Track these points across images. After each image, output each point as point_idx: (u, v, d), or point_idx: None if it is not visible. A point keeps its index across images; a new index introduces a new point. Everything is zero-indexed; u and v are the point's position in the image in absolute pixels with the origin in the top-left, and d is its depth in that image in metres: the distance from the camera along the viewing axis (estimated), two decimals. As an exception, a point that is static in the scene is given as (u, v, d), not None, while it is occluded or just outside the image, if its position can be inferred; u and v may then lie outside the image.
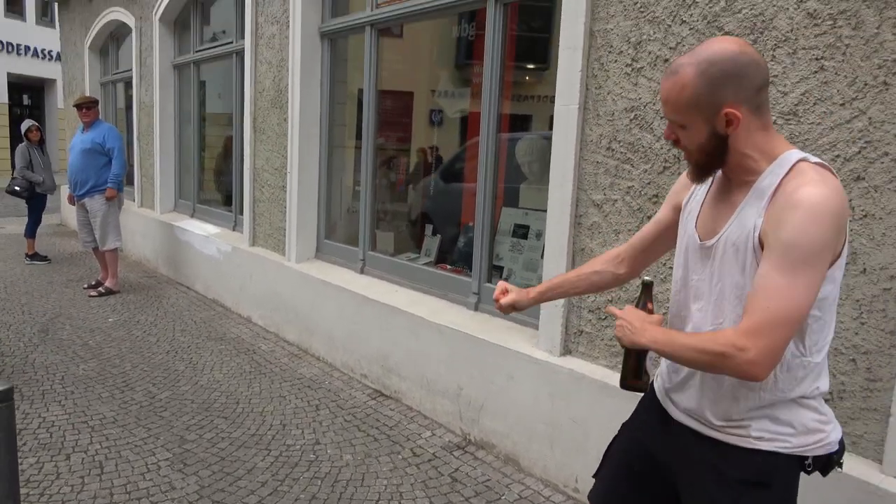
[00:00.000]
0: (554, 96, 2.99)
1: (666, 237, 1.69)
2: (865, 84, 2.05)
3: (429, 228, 4.80)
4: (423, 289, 4.05)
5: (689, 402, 1.50)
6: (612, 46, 2.77)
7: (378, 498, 2.91)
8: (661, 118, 2.56)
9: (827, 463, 1.43)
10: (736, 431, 1.41)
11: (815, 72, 2.16)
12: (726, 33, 2.38)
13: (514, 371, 3.16)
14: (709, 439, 1.45)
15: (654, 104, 2.63)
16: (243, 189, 5.75)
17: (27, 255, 7.63)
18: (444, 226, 4.76)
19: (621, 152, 2.76)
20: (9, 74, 19.64)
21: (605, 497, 1.73)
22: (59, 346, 4.69)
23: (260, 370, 4.39)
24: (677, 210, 1.62)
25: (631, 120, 2.71)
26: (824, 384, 1.42)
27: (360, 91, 4.62)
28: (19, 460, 2.61)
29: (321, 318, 4.59)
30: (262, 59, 5.34)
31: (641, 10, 2.66)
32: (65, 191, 8.16)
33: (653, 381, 1.68)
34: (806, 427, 1.39)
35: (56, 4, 11.15)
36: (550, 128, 3.04)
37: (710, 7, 2.44)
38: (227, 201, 6.63)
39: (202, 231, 6.46)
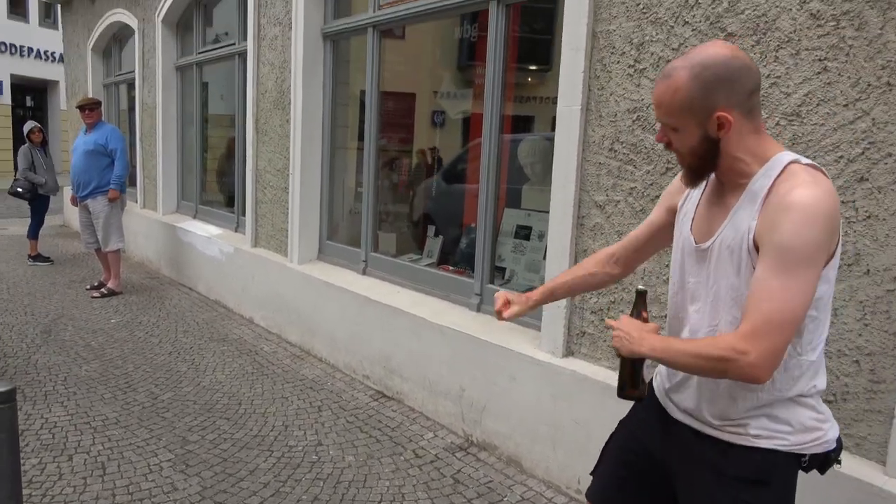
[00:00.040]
0: (556, 97, 2.99)
1: (658, 238, 1.72)
2: (869, 85, 2.05)
3: (431, 229, 4.80)
4: (426, 290, 4.05)
5: (687, 402, 1.51)
6: (614, 47, 2.77)
7: (380, 499, 2.91)
8: (664, 119, 2.56)
9: (825, 461, 1.45)
10: (734, 430, 1.43)
11: (819, 73, 2.16)
12: (729, 34, 2.38)
13: (517, 372, 3.15)
14: (708, 437, 1.46)
15: (656, 105, 2.63)
16: (245, 190, 5.76)
17: (30, 256, 7.65)
18: (446, 227, 4.76)
19: (624, 153, 2.75)
20: (12, 76, 19.70)
21: (602, 494, 1.75)
22: (61, 347, 4.70)
23: (262, 371, 4.39)
24: (671, 212, 1.63)
25: (633, 121, 2.71)
26: (821, 382, 1.44)
27: (363, 92, 4.62)
28: (22, 461, 2.61)
29: (323, 320, 4.59)
30: (264, 61, 5.35)
31: (644, 11, 2.65)
32: (67, 192, 8.17)
33: (652, 380, 1.69)
34: (804, 425, 1.41)
35: (59, 6, 11.18)
36: (553, 129, 3.04)
37: (712, 8, 2.43)
38: (230, 202, 6.64)
39: (204, 232, 6.46)
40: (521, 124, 4.47)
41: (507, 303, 1.80)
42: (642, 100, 2.68)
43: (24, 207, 8.09)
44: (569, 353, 3.03)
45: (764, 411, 1.40)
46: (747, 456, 1.41)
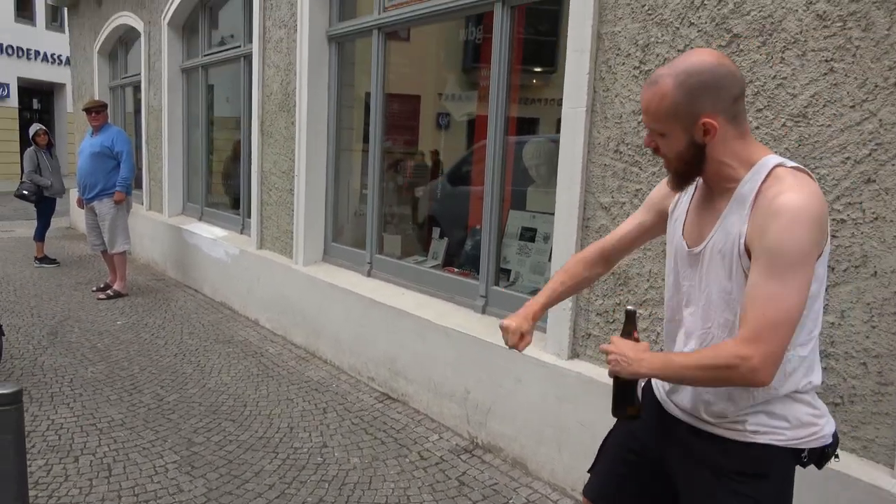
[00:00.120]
0: (561, 99, 2.98)
1: (645, 239, 1.79)
2: (876, 86, 2.04)
3: (436, 231, 4.79)
4: (431, 292, 4.05)
5: (685, 402, 1.54)
6: (619, 49, 2.77)
7: (385, 501, 2.90)
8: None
9: (821, 456, 1.47)
10: (732, 426, 1.46)
11: (825, 74, 2.15)
12: (735, 35, 2.37)
13: (522, 374, 3.15)
14: (707, 434, 1.49)
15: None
16: (251, 192, 5.77)
17: (36, 258, 7.68)
18: (451, 229, 4.76)
19: (629, 155, 2.75)
20: (19, 79, 19.78)
21: (600, 491, 1.76)
22: (67, 349, 4.71)
23: (267, 373, 4.40)
24: (662, 216, 1.67)
25: (639, 122, 2.70)
26: (817, 378, 1.46)
27: (368, 94, 4.63)
28: (28, 462, 2.61)
29: (328, 321, 4.59)
30: (269, 63, 5.36)
31: (649, 12, 2.65)
32: (74, 194, 8.20)
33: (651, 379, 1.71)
34: (800, 420, 1.44)
35: (66, 9, 11.23)
36: (558, 131, 3.03)
37: (718, 9, 2.43)
38: (235, 204, 6.66)
39: (210, 234, 6.48)
40: (526, 126, 4.47)
41: (521, 335, 1.74)
42: (648, 101, 2.67)
43: (30, 210, 8.13)
44: (574, 355, 3.02)
45: (761, 408, 1.43)
46: (745, 451, 1.44)
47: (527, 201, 4.01)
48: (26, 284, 6.68)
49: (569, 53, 2.93)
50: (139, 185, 8.27)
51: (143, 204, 8.27)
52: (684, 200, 1.58)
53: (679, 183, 1.50)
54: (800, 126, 2.22)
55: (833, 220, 2.16)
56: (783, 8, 2.24)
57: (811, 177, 1.36)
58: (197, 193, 7.41)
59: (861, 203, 2.09)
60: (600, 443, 1.81)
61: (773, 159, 1.38)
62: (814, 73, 2.18)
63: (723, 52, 2.41)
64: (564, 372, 2.96)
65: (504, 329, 1.75)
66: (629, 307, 1.57)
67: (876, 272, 2.08)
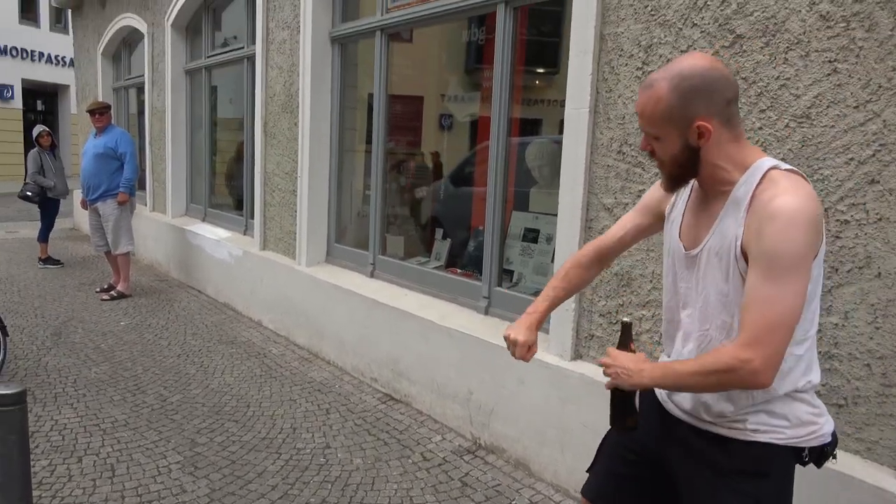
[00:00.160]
0: (564, 100, 2.98)
1: (640, 239, 1.81)
2: (880, 86, 2.04)
3: (439, 232, 4.80)
4: (434, 293, 4.05)
5: (685, 403, 1.55)
6: (622, 50, 2.76)
7: (388, 502, 2.90)
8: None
9: (821, 454, 1.49)
10: (733, 425, 1.47)
11: (829, 74, 2.15)
12: (738, 36, 2.37)
13: (525, 375, 3.14)
14: (708, 434, 1.51)
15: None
16: (254, 193, 5.78)
17: (40, 259, 7.70)
18: (454, 230, 4.76)
19: (632, 156, 2.75)
20: (23, 80, 19.85)
21: (598, 490, 1.77)
22: (71, 350, 4.72)
23: (270, 374, 4.40)
24: (658, 217, 1.69)
25: (642, 123, 2.70)
26: (815, 377, 1.48)
27: (371, 95, 4.64)
28: (32, 463, 2.62)
29: (331, 322, 4.60)
30: (272, 64, 5.37)
31: (652, 13, 2.65)
32: (77, 195, 8.22)
33: None
34: (800, 419, 1.45)
35: (69, 11, 11.27)
36: (561, 132, 3.03)
37: (721, 10, 2.43)
38: (238, 205, 6.67)
39: (213, 235, 6.49)
40: (528, 127, 4.47)
41: (528, 347, 1.73)
42: (651, 102, 2.66)
43: (34, 211, 8.15)
44: (577, 356, 3.02)
45: (761, 407, 1.45)
46: (746, 449, 1.45)
47: (529, 202, 4.01)
48: (30, 285, 6.70)
49: (572, 54, 2.93)
50: (143, 187, 8.28)
51: (146, 205, 8.28)
52: (680, 203, 1.60)
53: (673, 185, 1.52)
54: (803, 127, 2.22)
55: (837, 220, 2.15)
56: (786, 8, 2.24)
57: (805, 179, 1.38)
58: (200, 194, 7.42)
59: (865, 204, 2.09)
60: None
61: (767, 162, 1.40)
62: (817, 73, 2.17)
63: (726, 52, 2.41)
64: (567, 373, 2.96)
65: (512, 343, 1.73)
66: (625, 319, 1.59)
67: (880, 273, 2.07)
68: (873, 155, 2.06)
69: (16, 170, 18.60)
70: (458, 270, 4.27)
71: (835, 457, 1.52)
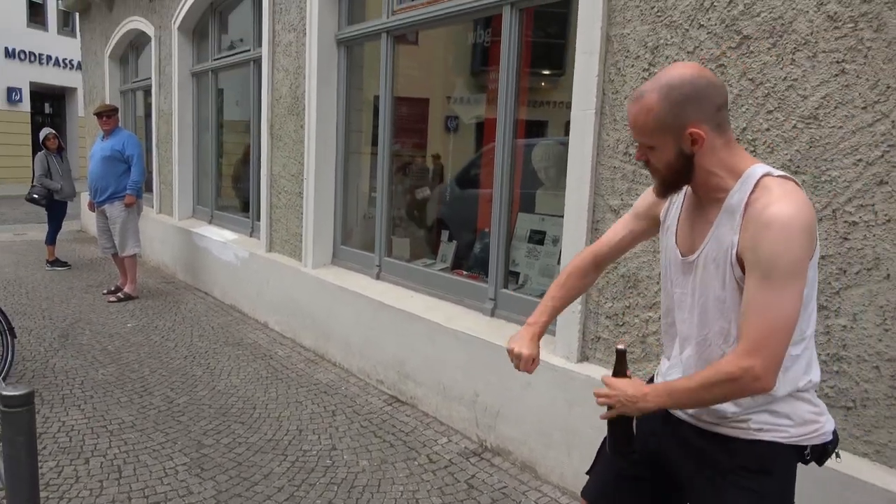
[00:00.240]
0: (570, 101, 2.98)
1: (635, 244, 1.83)
2: (888, 87, 2.03)
3: (445, 234, 4.80)
4: (440, 294, 4.05)
5: None
6: (628, 51, 2.76)
7: (394, 504, 2.90)
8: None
9: (822, 453, 1.51)
10: (737, 425, 1.49)
11: (836, 75, 2.14)
12: (745, 37, 2.36)
13: (531, 377, 3.13)
14: (710, 433, 1.52)
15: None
16: (260, 195, 5.79)
17: (48, 261, 7.74)
18: (460, 231, 4.76)
19: (638, 157, 2.74)
20: (31, 83, 19.99)
21: (598, 492, 1.77)
22: (78, 351, 4.74)
23: (277, 375, 4.41)
24: (654, 222, 1.70)
25: (648, 125, 2.69)
26: (815, 376, 1.50)
27: (376, 98, 4.64)
28: (39, 464, 2.63)
29: (337, 324, 4.60)
30: (279, 67, 5.38)
31: (658, 14, 2.64)
32: (85, 197, 8.26)
33: (653, 378, 1.73)
34: (802, 418, 1.47)
35: (77, 14, 11.33)
36: (566, 133, 3.03)
37: (728, 11, 2.42)
38: (245, 208, 6.68)
39: (220, 237, 6.51)
40: (534, 129, 4.46)
41: (532, 360, 1.74)
42: (657, 103, 2.66)
43: (42, 213, 8.20)
44: (583, 358, 3.01)
45: (764, 407, 1.46)
46: (750, 448, 1.47)
47: (535, 204, 4.00)
48: (38, 287, 6.73)
49: (577, 56, 2.93)
50: (149, 189, 8.31)
51: (153, 207, 8.31)
52: (674, 209, 1.61)
53: (666, 191, 1.54)
54: (811, 128, 2.21)
55: (845, 222, 2.14)
56: (794, 9, 2.23)
57: (798, 185, 1.40)
58: (207, 197, 7.44)
59: (873, 205, 2.08)
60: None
61: (759, 169, 1.42)
62: (825, 74, 2.16)
63: (733, 53, 2.40)
64: (574, 375, 2.95)
65: (516, 356, 1.74)
66: (619, 346, 1.59)
67: (889, 275, 2.06)
68: (882, 156, 2.05)
69: (24, 172, 18.68)
70: (464, 272, 4.26)
71: (838, 455, 1.54)
